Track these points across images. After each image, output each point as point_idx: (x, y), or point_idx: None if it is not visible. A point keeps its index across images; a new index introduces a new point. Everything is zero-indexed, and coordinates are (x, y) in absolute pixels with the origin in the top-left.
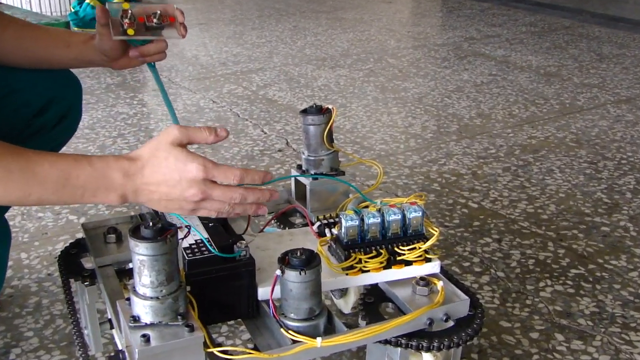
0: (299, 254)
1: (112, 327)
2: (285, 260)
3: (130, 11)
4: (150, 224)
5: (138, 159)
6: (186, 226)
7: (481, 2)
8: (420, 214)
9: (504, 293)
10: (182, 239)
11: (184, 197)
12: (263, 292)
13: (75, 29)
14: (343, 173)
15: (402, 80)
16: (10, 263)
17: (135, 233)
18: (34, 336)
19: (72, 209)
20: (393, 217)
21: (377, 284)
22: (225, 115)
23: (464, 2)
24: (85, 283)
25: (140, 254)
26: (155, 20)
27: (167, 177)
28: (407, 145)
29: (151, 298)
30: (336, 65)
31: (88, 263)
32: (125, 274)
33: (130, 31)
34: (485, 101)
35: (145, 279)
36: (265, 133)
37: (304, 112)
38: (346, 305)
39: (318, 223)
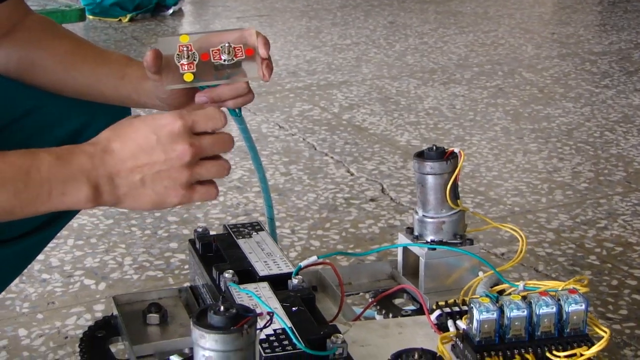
0: (416, 356)
1: None
2: None
3: (188, 47)
4: (221, 308)
5: (99, 140)
6: (268, 313)
7: None
8: (584, 307)
9: None
10: (262, 329)
11: (171, 162)
12: None
13: (91, 17)
14: (471, 242)
15: (543, 104)
16: (4, 342)
17: (201, 320)
18: None
19: (87, 269)
20: (545, 310)
21: None
22: (297, 146)
23: None
24: None
25: (208, 348)
26: (225, 57)
27: (142, 142)
28: (552, 199)
29: None
30: (450, 80)
31: (119, 350)
32: None
33: (189, 76)
34: None
35: None
36: (352, 174)
37: (420, 156)
38: None
39: (438, 312)
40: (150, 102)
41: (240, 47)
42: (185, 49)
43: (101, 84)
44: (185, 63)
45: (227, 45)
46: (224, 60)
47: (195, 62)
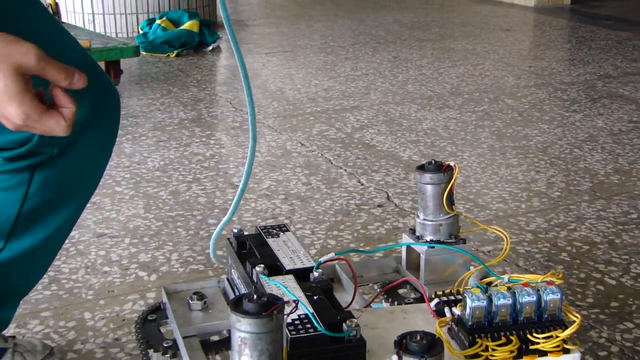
0: (418, 337)
1: None
2: (402, 344)
3: None
4: (255, 296)
5: None
6: (294, 301)
7: (619, 32)
8: (559, 296)
9: None
10: (289, 314)
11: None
12: None
13: (144, 53)
14: (464, 241)
15: (522, 125)
16: (72, 323)
17: (238, 307)
18: None
19: (141, 264)
20: (527, 298)
21: None
22: (316, 161)
23: (597, 31)
24: (167, 355)
25: (243, 330)
26: None
27: None
28: (530, 205)
29: None
30: (444, 105)
31: (168, 331)
32: (211, 346)
33: None
34: (624, 154)
35: (245, 359)
36: (363, 184)
37: (421, 168)
38: None
39: (436, 300)
40: None
41: None
42: None
43: None
44: None
45: None
46: None
47: None
